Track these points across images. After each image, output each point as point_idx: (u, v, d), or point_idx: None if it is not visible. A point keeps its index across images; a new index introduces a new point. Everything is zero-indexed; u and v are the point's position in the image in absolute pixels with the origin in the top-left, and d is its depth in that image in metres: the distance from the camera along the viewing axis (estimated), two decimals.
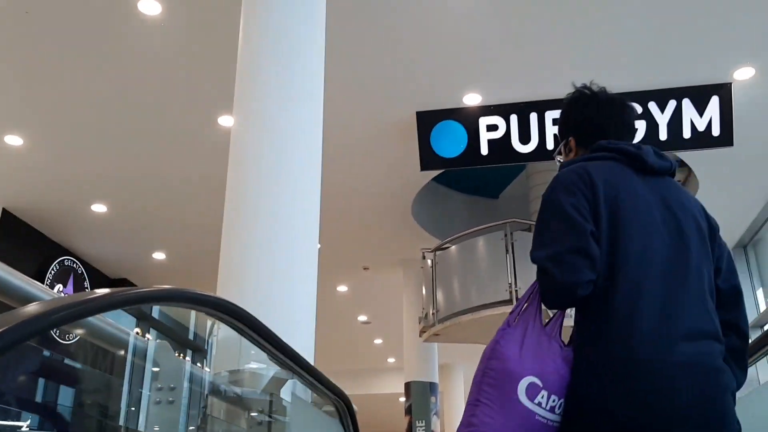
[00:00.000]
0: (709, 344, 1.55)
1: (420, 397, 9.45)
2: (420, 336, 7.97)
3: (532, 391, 1.49)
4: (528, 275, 6.87)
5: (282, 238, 3.39)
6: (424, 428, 9.25)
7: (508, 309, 6.57)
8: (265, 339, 1.95)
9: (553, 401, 1.51)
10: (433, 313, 7.44)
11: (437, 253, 7.70)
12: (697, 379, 1.50)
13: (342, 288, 11.24)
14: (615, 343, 1.52)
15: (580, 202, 1.60)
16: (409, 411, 9.45)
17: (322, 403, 2.96)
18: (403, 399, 9.73)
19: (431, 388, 9.54)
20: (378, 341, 14.09)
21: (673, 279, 1.57)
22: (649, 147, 1.75)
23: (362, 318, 12.74)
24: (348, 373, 16.39)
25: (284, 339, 3.19)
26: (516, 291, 6.66)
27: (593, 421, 1.50)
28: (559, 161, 1.93)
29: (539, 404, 1.49)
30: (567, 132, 1.88)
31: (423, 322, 7.76)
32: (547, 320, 1.65)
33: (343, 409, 2.39)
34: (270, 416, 2.16)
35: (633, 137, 1.87)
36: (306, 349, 3.32)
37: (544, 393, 1.50)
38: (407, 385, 9.64)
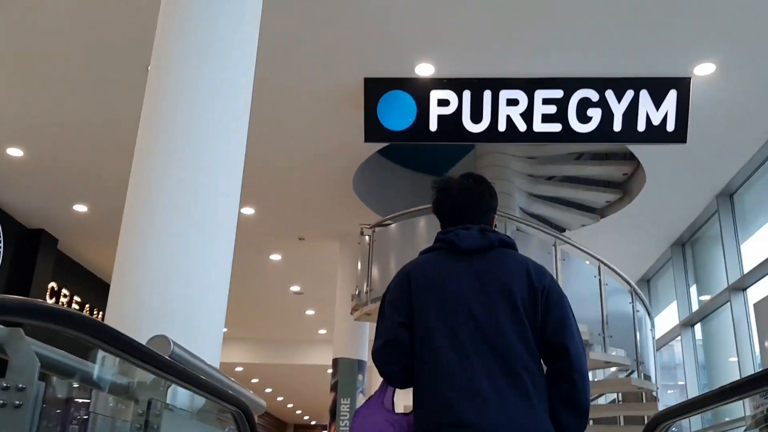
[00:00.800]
0: (509, 406, 1.85)
1: (347, 374, 9.16)
2: (351, 314, 7.65)
3: None
4: None
5: (198, 207, 2.96)
6: (348, 406, 8.99)
7: None
8: (136, 357, 1.54)
9: None
10: (366, 292, 7.12)
11: (376, 229, 7.35)
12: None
13: (275, 257, 10.82)
14: (426, 409, 1.91)
15: (399, 299, 2.01)
16: (334, 388, 9.15)
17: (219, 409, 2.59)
18: (331, 371, 9.45)
19: (359, 366, 9.26)
20: (310, 312, 13.75)
21: (474, 355, 1.89)
22: (471, 231, 2.04)
23: (295, 288, 12.36)
24: (278, 342, 16.06)
25: (191, 322, 2.80)
26: None
27: None
28: None
29: None
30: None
31: (355, 300, 7.43)
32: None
33: (242, 418, 2.03)
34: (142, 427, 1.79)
35: (474, 213, 2.14)
36: (214, 338, 2.92)
37: None
38: (335, 362, 9.34)
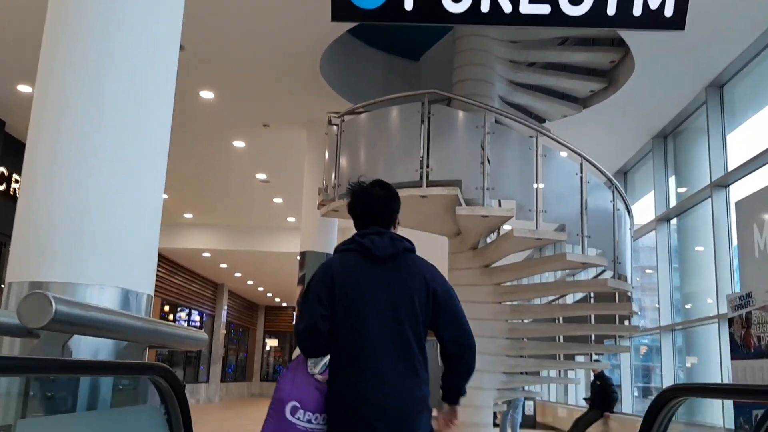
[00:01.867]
0: (405, 387, 2.45)
1: (315, 268, 8.86)
2: (318, 209, 7.23)
3: (293, 410, 2.32)
4: (442, 155, 6.13)
5: (118, 96, 2.41)
6: None
7: (418, 192, 5.86)
8: None
9: (309, 416, 2.32)
10: (333, 187, 6.67)
11: (345, 118, 6.80)
12: (395, 402, 2.42)
13: (239, 144, 10.23)
14: (338, 390, 2.42)
15: (322, 292, 2.45)
16: (302, 281, 8.89)
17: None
18: (299, 265, 9.16)
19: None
20: (278, 200, 13.33)
21: (381, 344, 2.41)
22: (383, 240, 2.51)
23: (261, 176, 11.86)
24: (246, 229, 15.73)
25: (114, 245, 2.34)
26: (428, 172, 5.94)
27: (342, 420, 2.38)
28: None
29: (298, 418, 2.31)
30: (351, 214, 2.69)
31: (323, 194, 6.99)
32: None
33: (167, 388, 1.63)
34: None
35: (383, 218, 2.64)
36: (145, 263, 2.47)
37: (302, 411, 2.32)
38: (302, 255, 9.02)
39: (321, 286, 2.45)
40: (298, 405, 2.33)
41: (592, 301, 7.61)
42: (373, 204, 2.68)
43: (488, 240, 7.02)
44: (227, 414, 16.06)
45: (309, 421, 2.32)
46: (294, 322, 2.49)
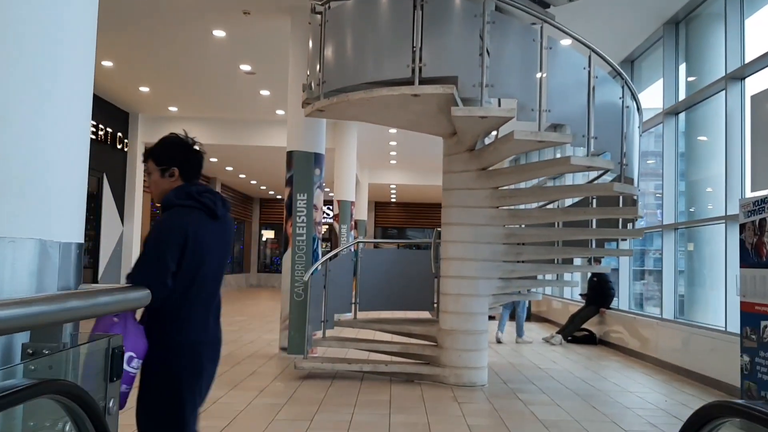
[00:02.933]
0: (219, 327, 2.83)
1: (303, 168, 8.43)
2: (303, 107, 6.70)
3: (129, 360, 2.37)
4: (437, 48, 5.53)
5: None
6: (305, 202, 8.39)
7: (410, 91, 5.31)
8: None
9: (138, 363, 2.45)
10: (318, 84, 6.12)
11: (330, 5, 6.13)
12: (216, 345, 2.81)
13: (219, 33, 9.49)
14: (183, 332, 2.64)
15: (175, 251, 2.57)
16: (290, 182, 8.48)
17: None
18: (286, 165, 8.71)
19: (316, 159, 8.50)
20: (265, 93, 12.67)
21: (214, 291, 2.78)
22: (216, 198, 2.79)
23: (245, 68, 11.16)
24: (234, 122, 15.14)
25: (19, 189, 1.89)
26: (421, 68, 5.38)
27: (182, 363, 2.63)
28: (149, 176, 2.89)
29: (133, 367, 2.43)
30: (171, 163, 2.84)
31: (307, 92, 6.43)
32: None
33: (74, 409, 1.24)
34: None
35: (199, 174, 2.92)
36: (68, 210, 2.04)
37: (136, 360, 2.43)
38: (289, 155, 8.55)
39: (174, 245, 2.56)
40: (133, 355, 2.41)
41: (594, 203, 7.24)
42: (200, 160, 2.92)
43: (486, 141, 6.55)
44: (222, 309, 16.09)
45: (136, 368, 2.45)
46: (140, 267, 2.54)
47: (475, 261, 6.42)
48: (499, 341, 10.32)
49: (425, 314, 8.02)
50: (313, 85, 6.33)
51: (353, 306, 7.64)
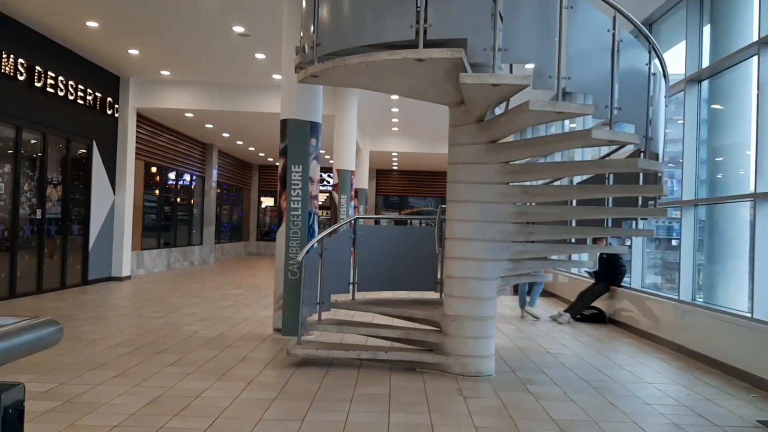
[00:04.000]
0: None
1: (298, 138, 7.87)
2: (296, 72, 6.12)
3: None
4: (444, 7, 4.93)
5: None
6: (300, 174, 7.85)
7: (413, 55, 4.72)
8: None
9: None
10: (312, 47, 5.54)
11: None
12: None
13: None
14: None
15: None
16: (284, 153, 7.92)
17: None
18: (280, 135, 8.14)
19: (312, 128, 7.93)
20: (260, 56, 12.03)
21: None
22: None
23: (238, 29, 10.51)
24: (229, 87, 14.51)
25: None
26: (425, 29, 4.79)
27: None
28: None
29: None
30: None
31: (300, 56, 5.85)
32: None
33: None
34: None
35: None
36: None
37: None
38: (283, 123, 7.97)
39: None
40: None
41: (610, 180, 6.70)
42: None
43: (497, 111, 5.98)
44: (218, 280, 15.66)
45: None
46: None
47: (482, 241, 5.91)
48: (535, 317, 10.29)
49: (432, 294, 7.54)
50: (306, 48, 5.75)
51: (352, 286, 7.16)
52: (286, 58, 7.84)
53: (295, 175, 7.88)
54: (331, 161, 20.48)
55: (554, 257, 7.44)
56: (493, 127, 5.65)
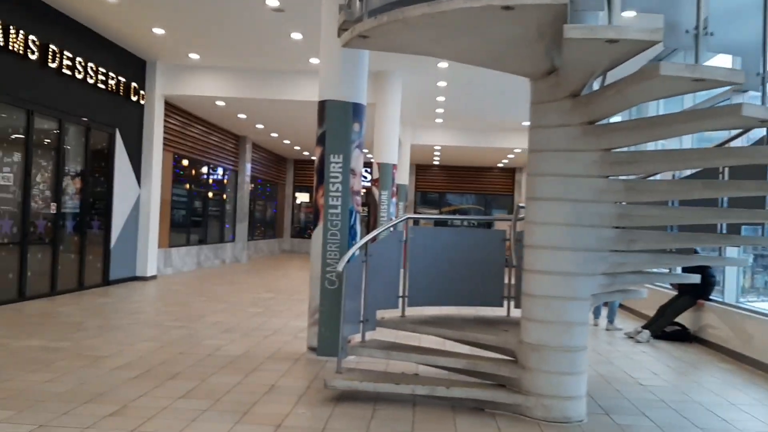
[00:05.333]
0: None
1: (338, 122, 6.67)
2: (339, 36, 4.92)
3: None
4: None
5: None
6: (341, 165, 6.65)
7: (499, 2, 3.34)
8: None
9: None
10: (361, 0, 4.33)
11: None
12: None
13: None
14: None
15: None
16: (321, 140, 6.73)
17: None
18: (317, 119, 6.95)
19: (355, 111, 6.73)
20: (296, 36, 10.87)
21: None
22: None
23: (272, 3, 9.36)
24: (262, 72, 13.39)
25: None
26: None
27: None
28: None
29: None
30: None
31: (344, 13, 4.64)
32: None
33: None
34: None
35: None
36: None
37: None
38: (321, 105, 6.78)
39: None
40: None
41: (725, 175, 5.35)
42: None
43: (595, 85, 4.69)
44: (249, 281, 14.58)
45: None
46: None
47: (574, 251, 4.63)
48: (617, 329, 9.33)
49: (498, 311, 6.30)
50: (352, 2, 4.54)
51: (401, 301, 5.94)
52: (327, 25, 6.64)
53: (334, 167, 6.68)
54: (369, 156, 19.29)
55: (655, 270, 6.12)
56: (595, 103, 4.36)
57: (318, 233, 6.71)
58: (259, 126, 18.05)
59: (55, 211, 10.41)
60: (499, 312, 6.31)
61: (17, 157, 9.46)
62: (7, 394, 4.83)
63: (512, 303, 6.17)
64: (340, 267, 5.37)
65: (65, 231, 10.80)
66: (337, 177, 6.68)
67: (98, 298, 10.46)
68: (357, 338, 5.74)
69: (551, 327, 4.71)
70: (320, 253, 6.65)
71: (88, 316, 8.59)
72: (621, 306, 11.92)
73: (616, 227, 4.74)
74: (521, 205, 5.29)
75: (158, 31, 11.02)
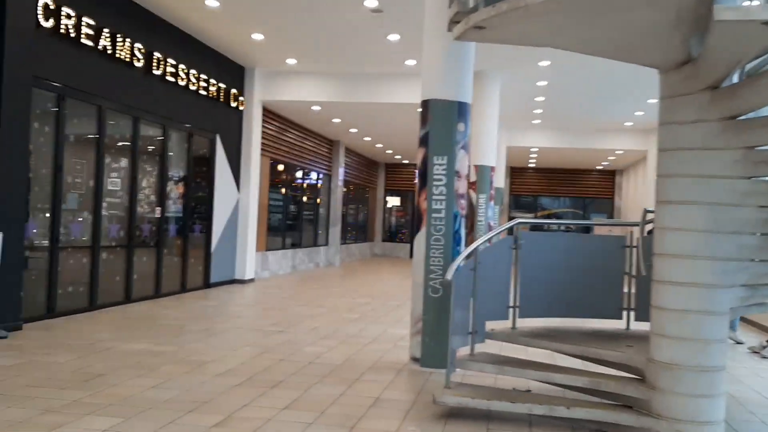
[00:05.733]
0: None
1: (442, 122, 6.40)
2: (449, 30, 4.64)
3: None
4: None
5: None
6: (445, 167, 6.37)
7: None
8: None
9: None
10: None
11: None
12: None
13: None
14: None
15: None
16: (424, 141, 6.47)
17: None
18: (420, 119, 6.71)
19: (460, 110, 6.44)
20: (393, 37, 10.68)
21: None
22: None
23: (371, 3, 9.20)
24: (358, 76, 13.30)
25: None
26: None
27: None
28: None
29: None
30: None
31: (457, 3, 4.36)
32: None
33: None
34: None
35: None
36: None
37: None
38: (425, 105, 6.52)
39: None
40: None
41: None
42: None
43: (734, 77, 4.20)
44: (344, 285, 14.52)
45: None
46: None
47: (712, 260, 4.16)
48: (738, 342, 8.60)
49: (616, 323, 5.84)
50: None
51: (511, 311, 5.59)
52: (432, 19, 6.38)
53: (437, 169, 6.40)
54: None
55: None
56: (741, 96, 3.89)
57: (420, 238, 6.45)
58: (353, 130, 18.03)
59: (159, 215, 10.64)
60: (616, 325, 5.85)
61: (124, 162, 9.71)
62: (114, 400, 4.82)
63: (632, 315, 5.71)
64: (449, 275, 5.08)
65: (168, 235, 11.03)
66: (440, 179, 6.40)
67: (199, 300, 10.61)
68: (464, 350, 5.44)
69: (686, 344, 4.25)
70: (423, 258, 6.39)
71: (190, 319, 8.68)
72: (742, 318, 11.06)
73: (764, 233, 4.23)
74: (649, 209, 4.85)
75: (257, 36, 11.09)
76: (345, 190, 22.22)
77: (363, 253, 25.16)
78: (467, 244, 6.01)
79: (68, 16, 8.19)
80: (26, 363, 5.85)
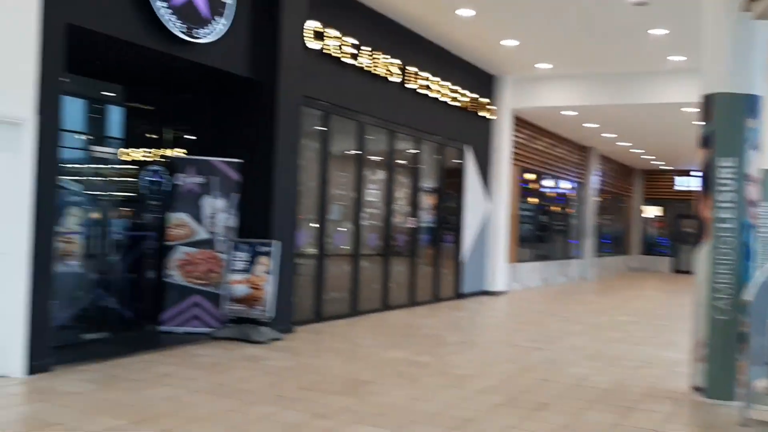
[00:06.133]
0: None
1: (729, 119, 5.58)
2: (745, 10, 3.97)
3: None
4: None
5: None
6: (734, 170, 5.53)
7: None
8: None
9: None
10: None
11: None
12: None
13: None
14: None
15: None
16: (707, 142, 5.69)
17: None
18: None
19: (749, 104, 5.56)
20: (656, 32, 9.78)
21: None
22: None
23: None
24: (616, 76, 12.50)
25: None
26: None
27: None
28: None
29: None
30: None
31: None
32: None
33: None
34: None
35: None
36: None
37: None
38: (707, 101, 5.74)
39: None
40: None
41: None
42: None
43: None
44: (601, 301, 13.64)
45: None
46: None
47: None
48: None
49: None
50: None
51: None
52: (713, 1, 5.61)
53: (723, 172, 5.59)
54: None
55: None
56: None
57: (703, 252, 5.68)
58: (606, 135, 17.00)
59: (413, 226, 10.87)
60: None
61: (381, 174, 10.06)
62: (380, 409, 4.83)
63: None
64: (749, 296, 4.35)
65: (421, 244, 11.22)
66: (727, 185, 5.58)
67: (452, 311, 10.61)
68: (761, 383, 4.62)
69: None
70: (707, 275, 5.62)
71: (445, 329, 8.66)
72: None
73: None
74: None
75: (509, 42, 10.84)
76: (598, 199, 21.09)
77: (618, 267, 23.63)
78: None
79: (332, 37, 8.66)
80: (299, 365, 6.18)
